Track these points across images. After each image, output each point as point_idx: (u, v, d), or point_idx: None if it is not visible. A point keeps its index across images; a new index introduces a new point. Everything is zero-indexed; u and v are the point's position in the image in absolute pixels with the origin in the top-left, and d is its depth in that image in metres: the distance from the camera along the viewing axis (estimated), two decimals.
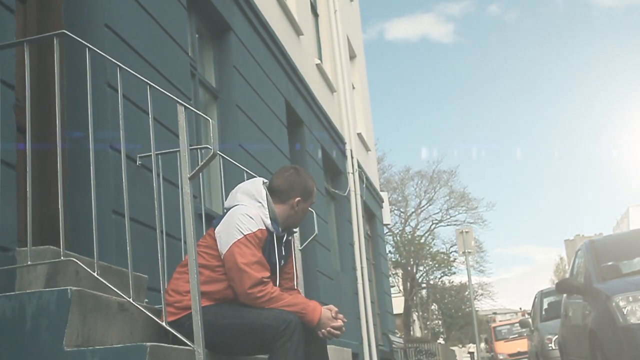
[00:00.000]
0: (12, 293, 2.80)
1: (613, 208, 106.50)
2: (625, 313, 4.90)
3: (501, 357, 22.53)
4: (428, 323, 47.69)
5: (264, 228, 3.21)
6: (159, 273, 3.09)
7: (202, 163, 2.87)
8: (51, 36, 3.11)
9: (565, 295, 6.95)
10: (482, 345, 29.09)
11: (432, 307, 47.89)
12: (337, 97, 12.38)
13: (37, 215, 3.75)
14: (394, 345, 13.93)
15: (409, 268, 38.00)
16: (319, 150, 10.36)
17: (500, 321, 30.96)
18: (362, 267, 11.85)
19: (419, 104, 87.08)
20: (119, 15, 4.52)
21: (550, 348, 9.14)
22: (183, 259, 3.28)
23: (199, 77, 6.23)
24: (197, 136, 5.65)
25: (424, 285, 41.26)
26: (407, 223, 39.01)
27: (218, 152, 2.88)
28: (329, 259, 10.09)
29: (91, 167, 3.00)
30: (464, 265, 32.39)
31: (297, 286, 3.57)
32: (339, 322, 3.20)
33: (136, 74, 3.07)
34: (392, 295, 18.21)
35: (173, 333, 2.91)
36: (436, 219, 38.97)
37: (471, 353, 37.48)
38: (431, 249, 38.89)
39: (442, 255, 38.84)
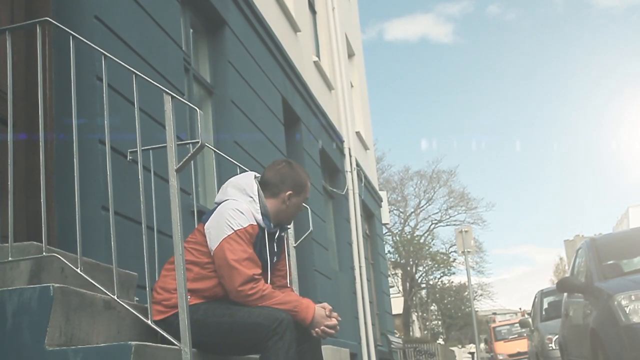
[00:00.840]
0: None
1: (613, 208, 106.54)
2: (627, 312, 4.85)
3: (501, 358, 22.50)
4: (427, 323, 47.61)
5: (255, 223, 3.11)
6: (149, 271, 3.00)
7: (189, 154, 2.78)
8: (34, 24, 3.01)
9: (565, 294, 6.90)
10: (482, 345, 29.05)
11: (432, 307, 47.77)
12: (335, 95, 12.30)
13: (22, 210, 3.65)
14: (392, 346, 13.85)
15: (409, 268, 37.94)
16: (317, 148, 10.27)
17: (500, 321, 30.92)
18: (360, 267, 11.78)
19: (419, 104, 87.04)
20: (110, 7, 4.42)
21: (551, 348, 9.08)
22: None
23: (193, 72, 6.13)
24: (192, 132, 5.55)
25: (423, 285, 41.21)
26: (407, 223, 39.01)
27: (206, 143, 2.78)
28: (327, 258, 10.01)
29: (74, 160, 2.90)
30: (463, 266, 32.33)
31: (290, 284, 3.47)
32: (333, 321, 3.10)
33: (122, 63, 2.97)
34: (392, 296, 18.15)
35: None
36: (435, 219, 38.98)
37: (472, 353, 37.37)
38: (431, 249, 38.87)
39: (442, 256, 38.80)
